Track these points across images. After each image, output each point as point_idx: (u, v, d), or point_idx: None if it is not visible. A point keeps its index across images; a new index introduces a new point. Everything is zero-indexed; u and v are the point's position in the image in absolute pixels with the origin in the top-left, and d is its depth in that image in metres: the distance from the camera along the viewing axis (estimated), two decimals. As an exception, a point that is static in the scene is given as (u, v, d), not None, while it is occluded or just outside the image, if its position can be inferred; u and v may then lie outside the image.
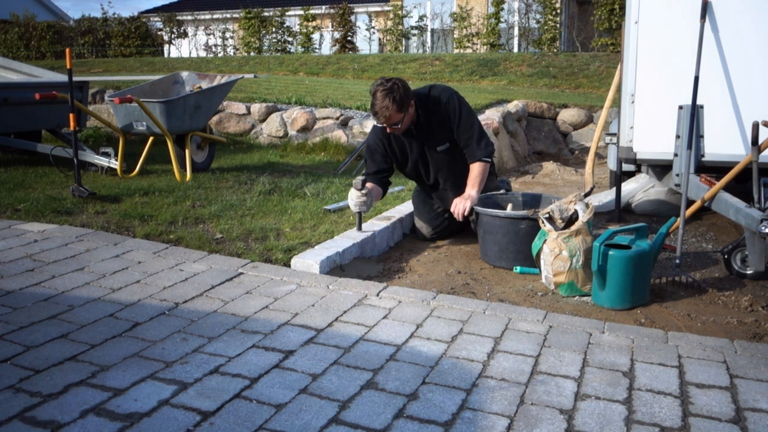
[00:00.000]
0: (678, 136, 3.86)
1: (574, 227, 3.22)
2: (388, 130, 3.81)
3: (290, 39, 19.16)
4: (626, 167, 4.53)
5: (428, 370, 2.24)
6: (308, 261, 3.24)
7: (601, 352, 2.45)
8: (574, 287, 3.18)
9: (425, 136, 3.90)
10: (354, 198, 3.70)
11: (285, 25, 19.19)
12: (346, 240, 3.58)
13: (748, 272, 3.44)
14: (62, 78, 5.82)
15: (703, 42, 3.81)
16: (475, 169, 3.86)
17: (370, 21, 19.28)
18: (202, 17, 22.10)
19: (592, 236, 3.24)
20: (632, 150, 4.16)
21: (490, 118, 7.15)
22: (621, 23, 4.65)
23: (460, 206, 3.74)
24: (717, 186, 3.56)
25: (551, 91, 10.51)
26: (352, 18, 18.64)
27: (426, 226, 4.09)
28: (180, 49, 21.08)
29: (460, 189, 3.91)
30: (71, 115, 4.39)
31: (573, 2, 19.43)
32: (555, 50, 15.72)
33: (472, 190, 3.81)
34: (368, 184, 3.84)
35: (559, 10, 16.51)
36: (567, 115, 8.54)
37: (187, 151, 5.22)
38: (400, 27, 18.18)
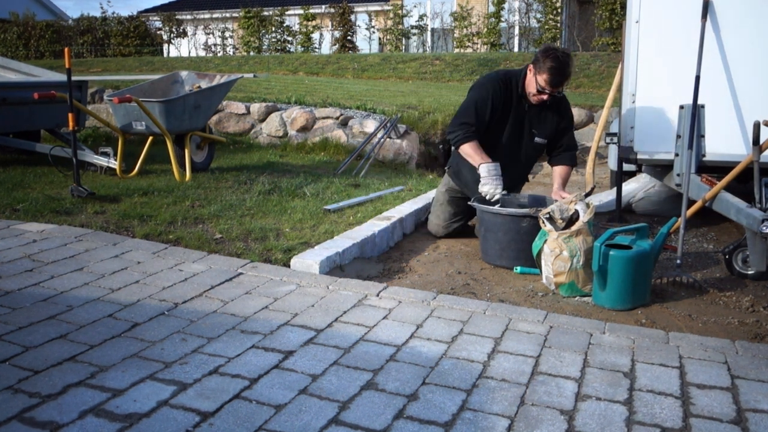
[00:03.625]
0: (679, 136, 3.85)
1: (574, 227, 3.21)
2: (536, 98, 3.69)
3: (290, 38, 19.15)
4: (627, 167, 4.52)
5: (428, 371, 2.23)
6: (308, 261, 3.23)
7: (602, 353, 2.44)
8: (574, 287, 3.17)
9: (534, 119, 3.84)
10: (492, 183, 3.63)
11: (285, 25, 19.17)
12: (346, 240, 3.57)
13: (750, 272, 3.43)
14: (61, 77, 5.80)
15: (704, 41, 3.80)
16: (567, 172, 3.93)
17: (370, 20, 19.26)
18: (202, 16, 22.07)
19: (593, 236, 3.23)
20: (633, 150, 4.15)
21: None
22: (622, 23, 4.64)
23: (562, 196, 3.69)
24: (718, 186, 3.55)
25: (551, 90, 10.49)
26: (352, 17, 18.62)
27: (441, 227, 4.11)
28: (179, 48, 21.07)
29: (513, 189, 3.91)
30: (70, 115, 4.37)
31: (574, 2, 19.41)
32: (555, 50, 15.68)
33: (560, 192, 3.78)
34: (473, 144, 3.70)
35: (559, 10, 16.49)
36: (567, 115, 8.51)
37: (186, 151, 5.21)
38: (400, 26, 18.17)
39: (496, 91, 3.78)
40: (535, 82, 3.68)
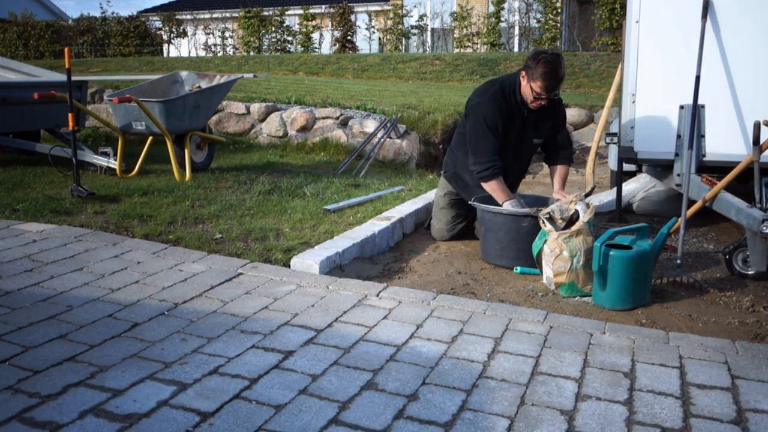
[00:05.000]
0: (679, 136, 3.85)
1: (574, 227, 3.21)
2: (535, 104, 3.70)
3: (290, 38, 19.15)
4: (627, 167, 4.52)
5: (428, 371, 2.23)
6: (308, 261, 3.23)
7: (602, 353, 2.44)
8: (574, 287, 3.17)
9: (533, 122, 3.86)
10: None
11: (285, 25, 19.17)
12: (346, 240, 3.57)
13: (750, 272, 3.43)
14: (61, 77, 5.80)
15: (704, 41, 3.80)
16: (566, 172, 3.99)
17: (370, 20, 19.26)
18: (202, 16, 22.07)
19: (593, 236, 3.23)
20: (633, 150, 4.15)
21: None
22: (622, 23, 4.64)
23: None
24: (718, 186, 3.55)
25: (551, 90, 10.49)
26: (352, 17, 18.62)
27: (444, 231, 4.10)
28: (179, 48, 21.06)
29: (513, 185, 4.00)
30: (70, 115, 4.37)
31: (574, 1, 19.41)
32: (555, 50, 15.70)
33: (561, 192, 3.84)
34: (498, 181, 3.74)
35: (559, 10, 16.50)
36: (568, 115, 8.50)
37: (186, 151, 5.21)
38: (400, 26, 18.16)
39: (501, 109, 3.77)
40: (530, 90, 3.67)
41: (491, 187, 3.77)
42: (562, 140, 4.00)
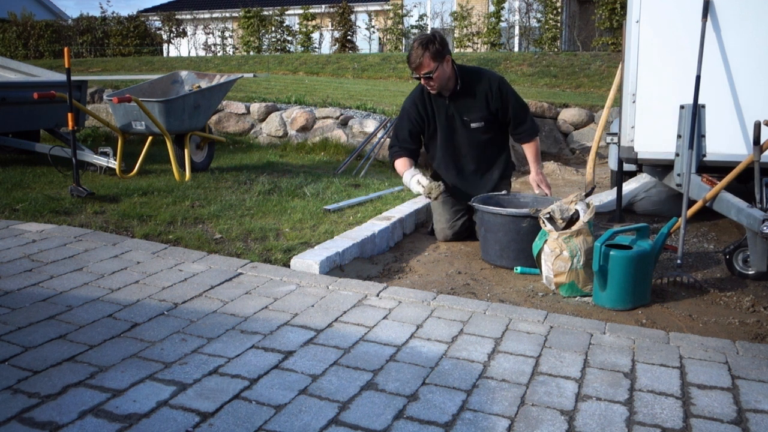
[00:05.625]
0: (679, 136, 3.85)
1: (575, 227, 3.21)
2: (422, 82, 3.89)
3: (290, 38, 19.15)
4: (627, 167, 4.52)
5: (428, 371, 2.23)
6: (308, 261, 3.23)
7: (602, 353, 2.44)
8: (574, 287, 3.17)
9: (461, 107, 4.00)
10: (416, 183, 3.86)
11: (284, 25, 19.17)
12: (346, 240, 3.56)
13: (750, 273, 3.43)
14: (60, 77, 5.80)
15: (704, 41, 3.79)
16: (534, 148, 4.13)
17: (370, 20, 19.26)
18: (201, 16, 22.07)
19: (593, 236, 3.23)
20: (633, 150, 4.15)
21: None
22: (622, 22, 4.64)
23: (543, 183, 4.02)
24: (718, 186, 3.54)
25: (552, 90, 10.50)
26: (352, 17, 18.62)
27: (446, 229, 4.09)
28: (179, 48, 21.06)
29: (487, 173, 4.13)
30: (70, 115, 4.37)
31: (574, 1, 19.42)
32: (556, 50, 15.71)
33: (539, 167, 4.07)
34: (399, 160, 4.03)
35: (560, 9, 16.50)
36: (568, 115, 8.53)
37: (186, 151, 5.21)
38: (400, 26, 18.16)
39: (411, 105, 4.05)
40: None
41: (397, 170, 4.09)
42: (516, 119, 4.08)
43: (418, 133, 4.09)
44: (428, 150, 4.22)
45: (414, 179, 3.90)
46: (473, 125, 4.02)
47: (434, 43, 3.79)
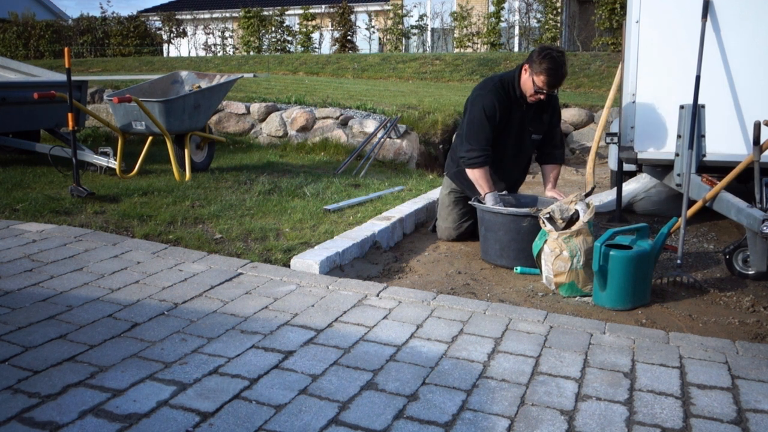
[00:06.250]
0: (679, 136, 3.85)
1: (575, 227, 3.21)
2: (534, 98, 3.71)
3: (290, 38, 19.15)
4: (627, 167, 4.52)
5: (428, 371, 2.23)
6: (308, 261, 3.23)
7: (602, 353, 2.44)
8: (574, 287, 3.17)
9: (531, 117, 3.89)
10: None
11: (284, 25, 19.17)
12: (346, 240, 3.56)
13: (750, 272, 3.43)
14: (61, 77, 5.80)
15: (704, 41, 3.79)
16: (558, 171, 4.04)
17: (370, 20, 19.26)
18: (201, 16, 22.07)
19: (593, 236, 3.23)
20: (633, 150, 4.15)
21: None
22: (622, 22, 4.64)
23: (558, 196, 3.82)
24: (718, 186, 3.54)
25: (551, 90, 10.49)
26: (352, 17, 18.61)
27: (451, 229, 4.08)
28: (179, 48, 21.06)
29: (517, 182, 4.08)
30: (70, 115, 4.37)
31: (574, 1, 19.41)
32: (555, 50, 15.69)
33: (555, 184, 3.97)
34: (484, 170, 3.76)
35: (559, 10, 16.50)
36: (568, 115, 8.53)
37: (186, 151, 5.21)
38: (400, 26, 18.16)
39: (501, 100, 3.79)
40: (531, 83, 3.68)
41: (476, 176, 3.79)
42: (557, 138, 4.04)
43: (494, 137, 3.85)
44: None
45: (497, 207, 3.68)
46: (534, 137, 3.95)
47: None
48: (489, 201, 3.72)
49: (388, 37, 18.60)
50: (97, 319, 2.52)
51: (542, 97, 3.73)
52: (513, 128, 3.87)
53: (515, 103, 3.82)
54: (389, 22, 18.51)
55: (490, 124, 3.77)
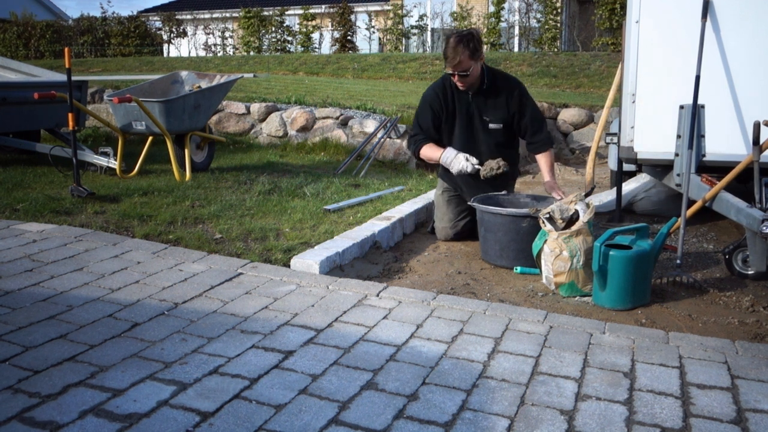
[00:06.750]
0: (679, 136, 3.85)
1: (574, 227, 3.21)
2: (455, 78, 3.86)
3: (290, 38, 19.14)
4: (627, 167, 4.52)
5: (428, 371, 2.23)
6: (308, 261, 3.23)
7: (602, 353, 2.44)
8: (574, 287, 3.17)
9: (482, 106, 3.99)
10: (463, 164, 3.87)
11: (284, 25, 19.17)
12: (346, 240, 3.57)
13: (750, 272, 3.43)
14: (61, 77, 5.80)
15: (704, 41, 3.80)
16: (549, 157, 4.05)
17: (370, 20, 19.26)
18: (202, 16, 22.07)
19: (593, 236, 3.23)
20: (633, 150, 4.15)
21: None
22: (622, 22, 4.65)
23: (555, 190, 3.87)
24: (718, 186, 3.55)
25: (552, 90, 10.50)
26: (352, 17, 18.61)
27: (448, 228, 4.08)
28: (179, 48, 21.06)
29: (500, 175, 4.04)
30: (70, 115, 4.37)
31: (574, 1, 19.42)
32: (556, 50, 15.71)
33: (552, 175, 3.99)
34: (428, 145, 4.01)
35: (559, 10, 16.49)
36: (567, 115, 8.53)
37: (186, 151, 5.21)
38: (400, 26, 18.15)
39: (433, 96, 4.01)
40: None
41: (424, 156, 4.07)
42: (534, 128, 4.04)
43: (439, 125, 4.05)
44: (442, 144, 4.14)
45: (461, 156, 3.89)
46: (492, 126, 4.00)
47: (472, 41, 3.77)
48: (444, 159, 3.94)
49: (388, 37, 18.60)
50: (97, 319, 2.53)
51: (457, 80, 3.85)
52: (459, 118, 4.02)
53: (458, 93, 3.99)
54: (389, 22, 18.51)
55: (431, 110, 4.01)
